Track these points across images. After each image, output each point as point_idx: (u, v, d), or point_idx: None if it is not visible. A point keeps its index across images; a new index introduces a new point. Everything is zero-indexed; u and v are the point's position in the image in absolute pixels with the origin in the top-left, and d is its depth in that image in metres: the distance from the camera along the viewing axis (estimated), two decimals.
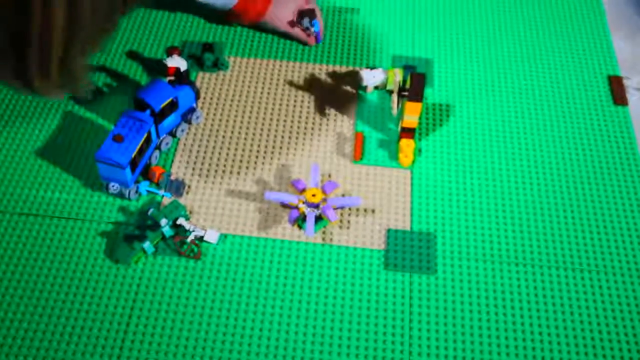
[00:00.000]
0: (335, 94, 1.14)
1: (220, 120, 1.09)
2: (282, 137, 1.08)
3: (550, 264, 0.95)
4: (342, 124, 1.10)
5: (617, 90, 1.16)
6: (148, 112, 0.97)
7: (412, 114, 1.01)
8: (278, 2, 1.15)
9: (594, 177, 1.05)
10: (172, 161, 1.04)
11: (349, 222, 0.98)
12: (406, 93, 1.01)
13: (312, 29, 1.15)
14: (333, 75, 1.16)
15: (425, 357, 0.86)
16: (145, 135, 0.95)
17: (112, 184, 0.96)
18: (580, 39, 1.24)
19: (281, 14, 1.15)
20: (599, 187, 1.03)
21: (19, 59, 0.58)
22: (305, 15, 1.16)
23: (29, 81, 0.60)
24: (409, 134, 1.05)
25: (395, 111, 1.06)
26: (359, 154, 1.05)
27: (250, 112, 1.11)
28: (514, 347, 0.87)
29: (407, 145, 1.03)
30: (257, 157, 1.05)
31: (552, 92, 1.15)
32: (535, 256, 0.96)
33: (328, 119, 1.10)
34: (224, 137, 1.07)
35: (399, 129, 1.06)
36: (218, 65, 1.15)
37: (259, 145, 1.06)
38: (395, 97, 1.05)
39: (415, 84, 1.00)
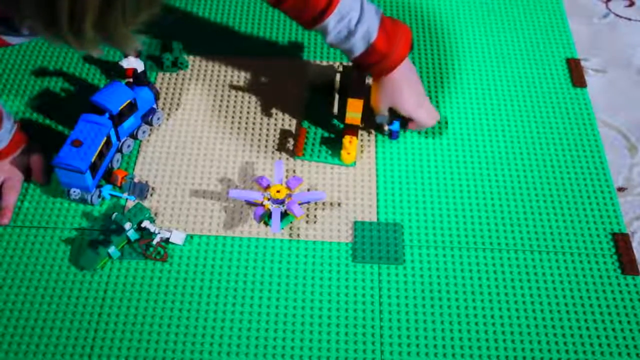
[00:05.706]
0: (292, 88, 1.13)
1: (182, 120, 1.08)
2: (245, 134, 1.07)
3: (517, 247, 0.96)
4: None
5: (575, 73, 1.17)
6: (106, 115, 0.96)
7: (354, 111, 1.00)
8: None
9: (556, 159, 1.06)
10: (135, 163, 1.03)
11: (315, 216, 0.98)
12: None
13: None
14: (295, 69, 1.16)
15: (397, 347, 0.86)
16: (104, 139, 0.94)
17: (73, 189, 0.95)
18: (538, 23, 1.25)
19: None
20: (562, 169, 1.04)
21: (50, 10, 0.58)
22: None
23: (63, 38, 0.61)
24: (352, 131, 1.03)
25: (335, 109, 1.04)
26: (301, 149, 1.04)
27: (212, 110, 1.10)
28: (484, 331, 0.88)
29: (349, 142, 1.02)
30: (220, 155, 1.04)
31: (512, 77, 1.16)
32: (501, 240, 0.96)
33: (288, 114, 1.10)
34: (186, 137, 1.06)
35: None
36: (177, 64, 1.14)
37: (221, 144, 1.06)
38: (335, 95, 1.03)
39: (356, 81, 0.98)
